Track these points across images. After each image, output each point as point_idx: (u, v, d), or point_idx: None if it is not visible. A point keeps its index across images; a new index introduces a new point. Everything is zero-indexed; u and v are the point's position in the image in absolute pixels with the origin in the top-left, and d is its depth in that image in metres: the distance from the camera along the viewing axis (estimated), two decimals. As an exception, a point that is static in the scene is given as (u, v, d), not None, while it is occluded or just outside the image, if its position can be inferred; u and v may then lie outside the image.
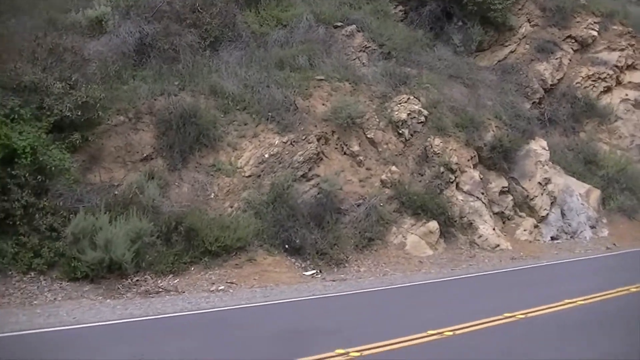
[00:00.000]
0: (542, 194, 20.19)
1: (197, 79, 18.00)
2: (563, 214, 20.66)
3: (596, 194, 21.66)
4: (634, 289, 12.53)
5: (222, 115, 17.59)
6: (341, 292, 13.89)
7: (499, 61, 23.91)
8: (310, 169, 17.42)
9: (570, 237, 20.42)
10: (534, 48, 24.26)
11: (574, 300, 11.51)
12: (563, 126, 23.23)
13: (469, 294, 13.51)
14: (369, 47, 21.25)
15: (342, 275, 15.82)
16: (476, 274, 15.97)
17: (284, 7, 21.61)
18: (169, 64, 18.03)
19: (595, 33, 25.33)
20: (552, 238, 20.05)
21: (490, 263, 17.29)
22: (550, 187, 20.44)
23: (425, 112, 19.58)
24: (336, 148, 18.48)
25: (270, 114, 17.74)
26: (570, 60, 24.61)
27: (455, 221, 18.30)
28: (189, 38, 18.53)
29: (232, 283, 14.40)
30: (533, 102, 23.20)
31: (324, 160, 18.07)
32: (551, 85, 23.71)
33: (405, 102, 19.52)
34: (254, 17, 20.88)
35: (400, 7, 23.91)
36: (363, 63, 20.76)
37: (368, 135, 18.84)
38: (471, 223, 18.39)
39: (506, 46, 24.32)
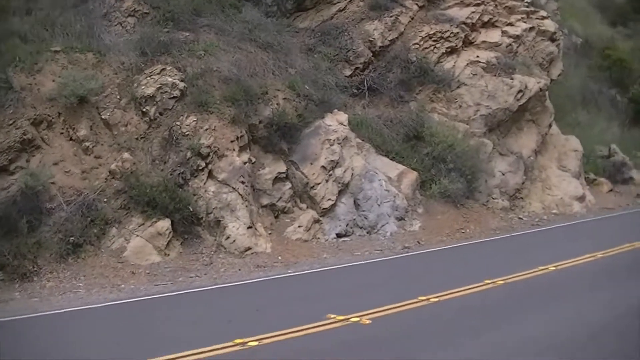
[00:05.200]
0: (326, 181, 16.22)
1: None
2: (357, 205, 16.68)
3: (411, 177, 17.56)
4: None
5: None
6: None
7: (323, 22, 20.10)
8: (12, 161, 14.21)
9: (367, 232, 16.39)
10: (368, 5, 20.33)
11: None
12: (389, 95, 19.16)
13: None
14: (139, 10, 17.70)
15: (16, 294, 12.72)
16: (185, 291, 12.49)
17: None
18: None
19: (446, -14, 21.24)
20: (339, 235, 16.03)
21: (226, 273, 13.63)
22: (338, 171, 16.47)
23: (181, 85, 16.05)
24: (62, 133, 15.23)
25: (-23, 96, 14.60)
26: (412, 18, 20.54)
27: (202, 219, 14.88)
28: None
29: None
30: (356, 68, 19.35)
31: (44, 148, 14.85)
32: (381, 47, 19.62)
33: (158, 73, 16.05)
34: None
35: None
36: (126, 30, 17.28)
37: (103, 117, 15.48)
38: (219, 221, 14.86)
39: (334, 4, 20.42)
